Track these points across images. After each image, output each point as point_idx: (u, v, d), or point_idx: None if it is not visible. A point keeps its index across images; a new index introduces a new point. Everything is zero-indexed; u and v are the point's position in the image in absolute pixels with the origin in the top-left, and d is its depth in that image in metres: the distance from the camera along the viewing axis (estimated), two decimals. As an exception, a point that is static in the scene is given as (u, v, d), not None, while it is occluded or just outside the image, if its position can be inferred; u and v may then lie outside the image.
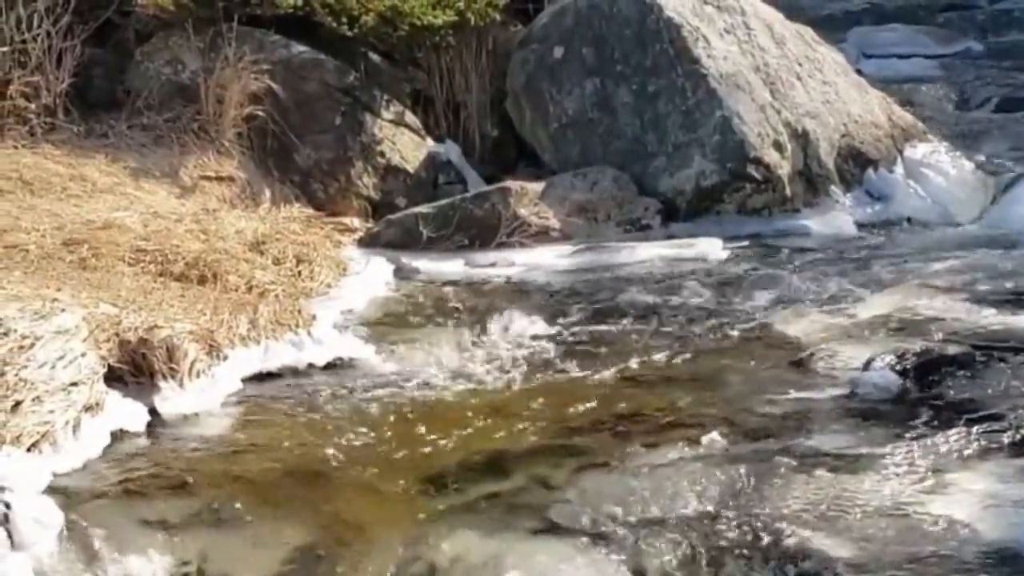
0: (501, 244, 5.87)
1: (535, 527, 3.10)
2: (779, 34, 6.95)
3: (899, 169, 6.74)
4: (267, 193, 6.05)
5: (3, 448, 3.19)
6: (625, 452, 3.48)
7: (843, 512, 3.12)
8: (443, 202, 6.12)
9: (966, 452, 3.43)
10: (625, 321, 4.76)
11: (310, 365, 4.23)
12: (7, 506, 2.92)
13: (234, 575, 2.95)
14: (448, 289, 5.27)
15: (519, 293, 5.22)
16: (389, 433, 3.66)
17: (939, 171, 6.73)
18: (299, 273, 5.12)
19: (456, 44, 6.81)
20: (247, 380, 4.06)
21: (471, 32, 6.83)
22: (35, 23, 5.94)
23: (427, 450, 3.53)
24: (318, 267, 5.22)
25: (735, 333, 4.56)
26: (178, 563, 2.93)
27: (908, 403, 3.80)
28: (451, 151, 6.74)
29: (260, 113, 6.14)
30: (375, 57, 6.74)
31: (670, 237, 5.99)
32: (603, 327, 4.70)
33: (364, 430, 3.67)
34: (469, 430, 3.68)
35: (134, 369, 3.84)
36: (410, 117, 6.67)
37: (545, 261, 5.69)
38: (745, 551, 2.97)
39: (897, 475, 3.30)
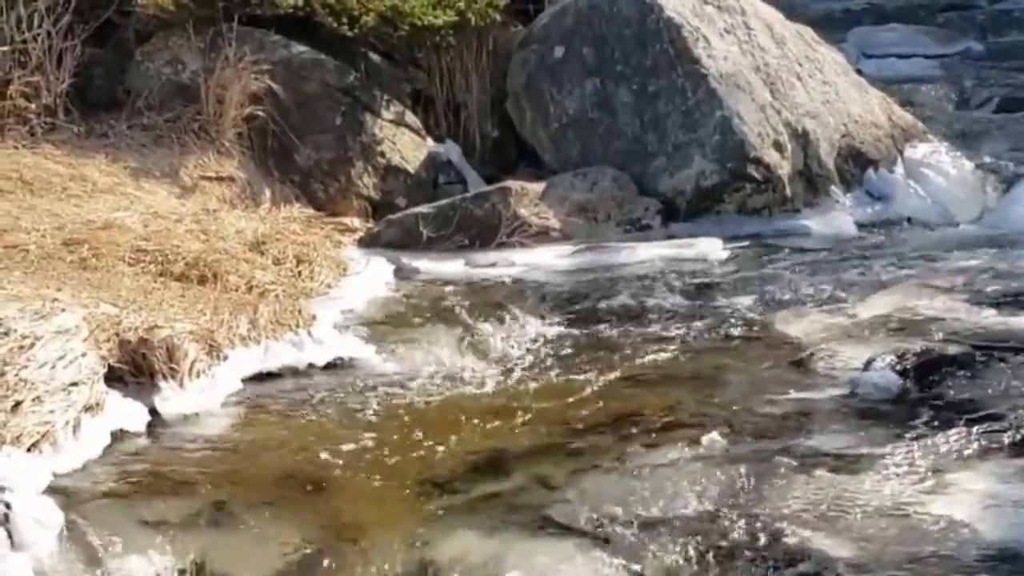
0: (501, 244, 5.87)
1: (535, 527, 3.10)
2: (779, 34, 6.95)
3: (899, 169, 6.74)
4: (267, 193, 6.05)
5: (3, 448, 3.19)
6: (625, 452, 3.48)
7: (843, 512, 3.12)
8: (443, 202, 6.12)
9: (966, 452, 3.42)
10: (625, 321, 4.76)
11: (310, 365, 4.23)
12: (7, 506, 2.91)
13: (234, 575, 2.95)
14: (448, 289, 5.27)
15: (519, 293, 5.22)
16: (389, 433, 3.66)
17: (939, 171, 6.74)
18: (299, 273, 5.12)
19: (456, 44, 6.81)
20: (247, 380, 4.06)
21: (471, 32, 6.83)
22: (35, 23, 5.94)
23: (427, 450, 3.53)
24: (318, 267, 5.22)
25: (735, 333, 4.56)
26: (178, 563, 2.93)
27: (908, 403, 3.80)
28: (451, 151, 6.74)
29: (260, 113, 6.14)
30: (375, 57, 6.74)
31: (670, 237, 5.99)
32: (603, 327, 4.69)
33: (364, 430, 3.68)
34: (469, 430, 3.68)
35: (134, 369, 3.84)
36: (410, 117, 6.67)
37: (545, 261, 5.69)
38: (745, 551, 2.97)
39: (897, 475, 3.30)
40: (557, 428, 3.70)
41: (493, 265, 5.66)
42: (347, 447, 3.53)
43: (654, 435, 3.61)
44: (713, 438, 3.54)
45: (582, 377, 4.13)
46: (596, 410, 3.82)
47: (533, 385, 4.09)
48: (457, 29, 6.76)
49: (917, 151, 6.89)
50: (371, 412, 3.83)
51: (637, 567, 2.93)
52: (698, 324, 4.67)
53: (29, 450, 3.25)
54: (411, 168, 6.49)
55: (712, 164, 6.23)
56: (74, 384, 3.53)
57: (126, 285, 4.40)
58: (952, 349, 4.15)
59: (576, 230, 6.00)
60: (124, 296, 4.24)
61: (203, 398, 3.85)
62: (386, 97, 6.59)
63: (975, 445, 3.46)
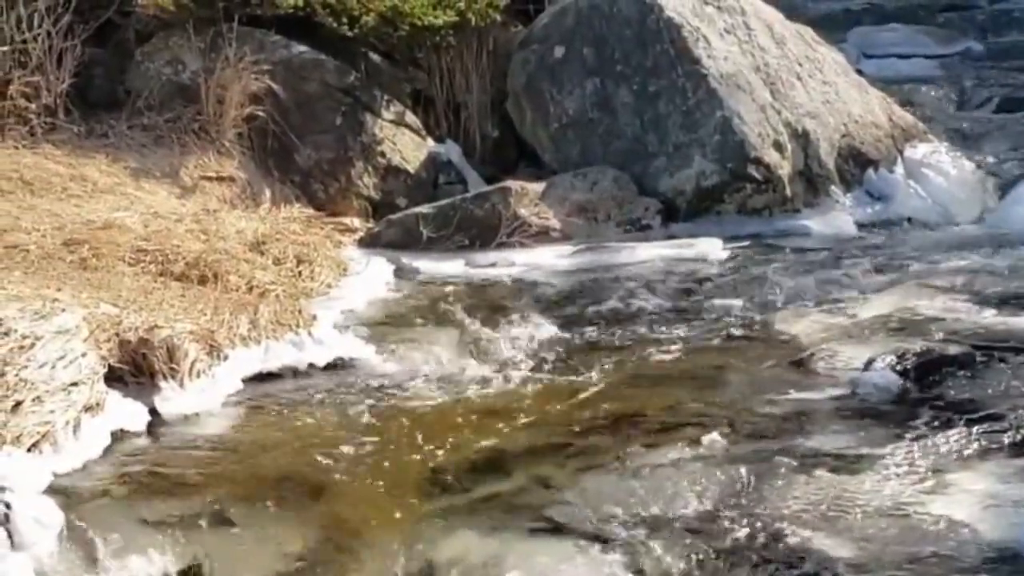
0: (501, 244, 5.87)
1: (535, 527, 3.10)
2: (779, 34, 6.95)
3: (899, 169, 6.75)
4: (267, 193, 6.05)
5: (3, 448, 3.19)
6: (625, 452, 3.48)
7: (843, 512, 3.12)
8: (443, 202, 6.12)
9: (966, 452, 3.42)
10: (625, 321, 4.76)
11: (311, 365, 4.23)
12: (7, 506, 2.91)
13: (234, 575, 2.95)
14: (448, 289, 5.27)
15: (519, 293, 5.22)
16: (389, 434, 3.66)
17: (939, 171, 6.74)
18: (299, 273, 5.12)
19: (457, 44, 6.81)
20: (247, 380, 4.06)
21: (472, 32, 6.83)
22: (36, 23, 5.94)
23: (427, 450, 3.53)
24: (318, 267, 5.22)
25: (735, 333, 4.56)
26: (178, 563, 2.93)
27: (908, 403, 3.80)
28: (451, 151, 6.74)
29: (260, 113, 6.14)
30: (376, 57, 6.74)
31: (670, 237, 5.99)
32: (603, 327, 4.70)
33: (364, 430, 3.68)
34: (469, 430, 3.68)
35: (134, 369, 3.84)
36: (410, 117, 6.67)
37: (545, 261, 5.69)
38: (745, 551, 2.97)
39: (897, 475, 3.30)
40: (557, 428, 3.70)
41: (493, 265, 5.66)
42: (347, 447, 3.53)
43: (654, 435, 3.61)
44: (713, 438, 3.54)
45: (582, 377, 4.13)
46: (596, 410, 3.82)
47: (533, 385, 4.09)
48: (457, 29, 6.76)
49: (917, 151, 6.90)
50: (371, 412, 3.83)
51: (637, 567, 2.93)
52: (698, 324, 4.68)
53: (29, 450, 3.25)
54: (411, 168, 6.50)
55: (712, 164, 6.23)
56: (74, 384, 3.53)
57: (126, 285, 4.40)
58: (952, 349, 4.15)
59: (576, 230, 6.00)
60: (124, 296, 4.24)
61: (203, 398, 3.85)
62: (386, 97, 6.60)
63: (975, 445, 3.46)
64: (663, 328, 4.65)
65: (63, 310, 3.85)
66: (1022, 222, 6.10)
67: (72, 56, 6.02)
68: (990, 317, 4.53)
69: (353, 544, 3.03)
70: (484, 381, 4.12)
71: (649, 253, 5.72)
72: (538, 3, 7.36)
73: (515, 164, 6.89)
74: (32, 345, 3.57)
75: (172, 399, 3.79)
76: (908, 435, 3.53)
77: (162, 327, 3.96)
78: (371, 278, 5.35)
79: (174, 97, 6.22)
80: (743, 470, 3.33)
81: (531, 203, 6.04)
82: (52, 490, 3.12)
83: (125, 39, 6.53)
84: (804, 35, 7.18)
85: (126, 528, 3.02)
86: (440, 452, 3.51)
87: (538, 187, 6.17)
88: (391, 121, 6.54)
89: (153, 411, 3.73)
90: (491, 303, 5.03)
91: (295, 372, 4.20)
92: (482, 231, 5.91)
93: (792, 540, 3.00)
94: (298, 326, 4.38)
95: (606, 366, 4.22)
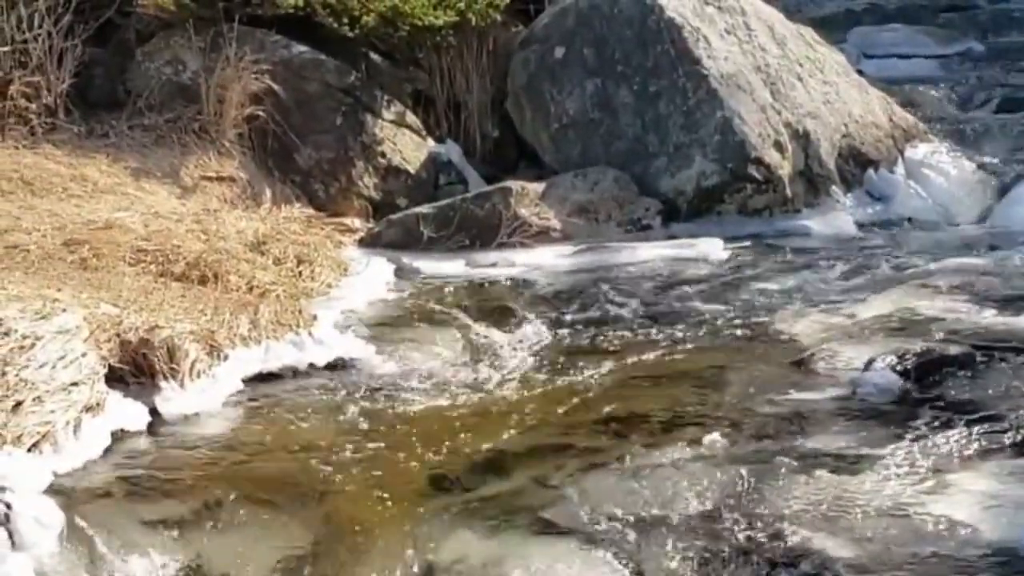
0: (502, 244, 5.88)
1: (535, 527, 3.10)
2: (780, 34, 6.95)
3: (900, 169, 6.75)
4: (268, 193, 6.05)
5: (4, 448, 3.20)
6: (625, 452, 3.47)
7: (844, 512, 3.12)
8: (444, 202, 6.12)
9: (967, 453, 3.42)
10: (625, 321, 4.77)
11: (311, 365, 4.23)
12: (8, 506, 2.92)
13: (234, 575, 2.95)
14: (449, 289, 5.27)
15: (520, 293, 5.23)
16: (389, 433, 3.66)
17: (940, 171, 6.74)
18: (300, 273, 5.12)
19: (457, 44, 6.81)
20: (248, 380, 4.06)
21: (472, 32, 6.83)
22: (36, 23, 5.95)
23: (427, 450, 3.53)
24: (319, 267, 5.23)
25: (736, 333, 4.56)
26: (178, 563, 2.94)
27: (909, 403, 3.80)
28: (452, 151, 6.75)
29: (261, 113, 6.15)
30: (376, 57, 6.74)
31: (671, 237, 6.00)
32: (603, 327, 4.70)
33: (364, 430, 3.68)
34: (469, 430, 3.68)
35: (135, 369, 3.84)
36: (411, 117, 6.67)
37: (546, 261, 5.69)
38: (746, 551, 2.97)
39: (898, 475, 3.30)
40: (557, 428, 3.71)
41: (494, 265, 5.66)
42: (347, 447, 3.53)
43: (654, 435, 3.61)
44: (713, 438, 3.54)
45: (582, 377, 4.13)
46: (596, 410, 3.82)
47: (533, 385, 4.09)
48: (457, 29, 6.76)
49: (918, 151, 6.90)
50: (371, 413, 3.83)
51: (637, 568, 2.93)
52: (698, 324, 4.67)
53: (30, 450, 3.25)
54: (412, 168, 6.50)
55: (713, 164, 6.23)
56: (75, 384, 3.53)
57: (127, 285, 4.40)
58: (953, 349, 4.15)
59: (577, 230, 6.00)
60: (125, 296, 4.24)
61: (204, 398, 3.85)
62: (387, 97, 6.60)
63: (976, 445, 3.45)
64: (664, 328, 4.65)
65: (63, 310, 3.85)
66: (1022, 222, 6.10)
67: (72, 56, 6.02)
68: (991, 317, 4.53)
69: (353, 544, 3.03)
70: (484, 381, 4.13)
71: (650, 253, 5.72)
72: (538, 3, 7.36)
73: (515, 164, 6.90)
74: (32, 345, 3.57)
75: (172, 399, 3.79)
76: (908, 435, 3.53)
77: (162, 327, 3.96)
78: (371, 278, 5.35)
79: (174, 97, 6.23)
80: (743, 470, 3.33)
81: (532, 203, 6.04)
82: (52, 490, 3.12)
83: (125, 39, 6.54)
84: (805, 35, 7.19)
85: (126, 528, 3.02)
86: (440, 452, 3.51)
87: (539, 187, 6.17)
88: (391, 121, 6.55)
89: (153, 411, 3.73)
90: (492, 303, 5.03)
91: (295, 372, 4.20)
92: (482, 231, 5.92)
93: (792, 540, 3.00)
94: (298, 326, 4.38)
95: (606, 366, 4.22)
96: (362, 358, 4.30)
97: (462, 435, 3.64)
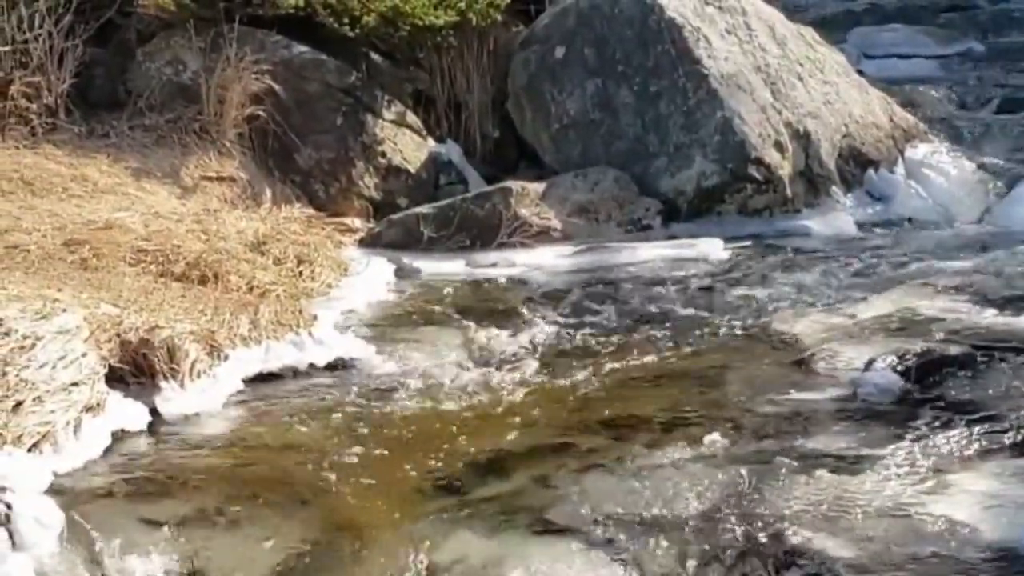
0: (502, 244, 5.88)
1: (535, 527, 3.10)
2: (780, 34, 6.95)
3: (900, 170, 6.75)
4: (268, 193, 6.05)
5: (4, 448, 3.20)
6: (625, 452, 3.48)
7: (844, 513, 3.11)
8: (444, 202, 6.12)
9: (967, 453, 3.42)
10: (626, 321, 4.77)
11: (311, 365, 4.23)
12: (8, 506, 2.92)
13: (234, 575, 2.95)
14: (449, 289, 5.27)
15: (520, 293, 5.22)
16: (389, 433, 3.66)
17: (940, 172, 6.74)
18: (300, 273, 5.13)
19: (457, 44, 6.82)
20: (248, 380, 4.06)
21: (472, 32, 6.84)
22: (37, 23, 5.95)
23: (427, 450, 3.53)
24: (319, 267, 5.23)
25: (736, 333, 4.56)
26: (178, 563, 2.93)
27: (909, 403, 3.80)
28: (452, 151, 6.75)
29: (261, 113, 6.15)
30: (376, 57, 6.74)
31: (671, 237, 6.00)
32: (604, 327, 4.70)
33: (364, 430, 3.68)
34: (470, 430, 3.68)
35: (135, 369, 3.84)
36: (411, 117, 6.67)
37: (546, 261, 5.69)
38: (746, 552, 2.97)
39: (898, 476, 3.30)
40: (557, 428, 3.70)
41: (494, 265, 5.66)
42: (347, 447, 3.53)
43: (654, 435, 3.61)
44: (713, 438, 3.54)
45: (582, 377, 4.13)
46: (596, 410, 3.82)
47: (533, 385, 4.08)
48: (458, 29, 6.76)
49: (918, 151, 6.90)
50: (372, 413, 3.83)
51: (637, 568, 2.93)
52: (698, 324, 4.67)
53: (30, 450, 3.25)
54: (412, 168, 6.50)
55: (713, 164, 6.23)
56: (75, 384, 3.53)
57: (127, 285, 4.40)
58: (953, 349, 4.15)
59: (577, 230, 6.00)
60: (125, 296, 4.24)
61: (204, 398, 3.85)
62: (387, 97, 6.60)
63: (976, 446, 3.45)
64: (664, 328, 4.65)
65: (64, 310, 3.85)
66: (1022, 222, 6.10)
67: (73, 56, 6.03)
68: (991, 317, 4.53)
69: (353, 544, 3.03)
70: (485, 381, 4.12)
71: (650, 253, 5.72)
72: (539, 3, 7.37)
73: (516, 164, 6.90)
74: (33, 345, 3.57)
75: (173, 399, 3.80)
76: (909, 435, 3.53)
77: (163, 327, 3.96)
78: (372, 278, 5.35)
79: (175, 97, 6.23)
80: (744, 470, 3.33)
81: (532, 203, 6.04)
82: (53, 490, 3.13)
83: (126, 39, 6.54)
84: (805, 35, 7.19)
85: (127, 528, 3.02)
86: (440, 452, 3.51)
87: (539, 187, 6.17)
88: (392, 121, 6.55)
89: (154, 411, 3.73)
90: (492, 303, 5.03)
91: (296, 372, 4.20)
92: (483, 231, 5.92)
93: (792, 540, 3.00)
94: (299, 326, 4.38)
95: (607, 366, 4.22)
96: (362, 358, 4.30)
97: (462, 435, 3.64)
